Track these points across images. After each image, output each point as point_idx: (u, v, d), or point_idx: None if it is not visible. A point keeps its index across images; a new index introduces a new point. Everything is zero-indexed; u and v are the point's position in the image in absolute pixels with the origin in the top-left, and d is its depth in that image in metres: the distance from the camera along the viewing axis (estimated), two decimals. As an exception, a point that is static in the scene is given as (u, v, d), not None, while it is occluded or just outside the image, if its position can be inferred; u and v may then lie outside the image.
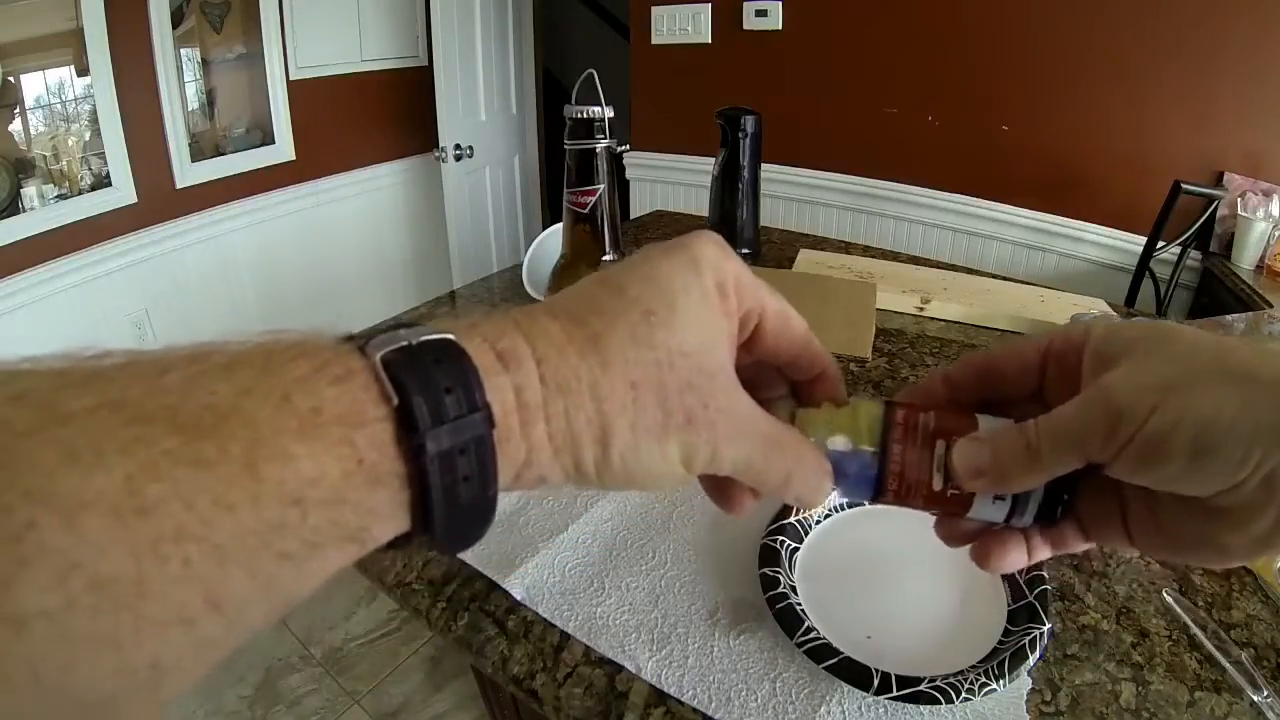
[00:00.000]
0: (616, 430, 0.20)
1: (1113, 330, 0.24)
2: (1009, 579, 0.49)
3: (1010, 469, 0.23)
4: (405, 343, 0.18)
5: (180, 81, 1.94)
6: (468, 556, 0.52)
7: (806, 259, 1.14)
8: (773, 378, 0.27)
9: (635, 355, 0.20)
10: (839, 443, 0.25)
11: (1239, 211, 1.61)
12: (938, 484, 0.25)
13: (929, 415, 0.25)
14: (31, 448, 0.13)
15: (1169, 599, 0.49)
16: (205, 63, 2.00)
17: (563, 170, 0.53)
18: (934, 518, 0.27)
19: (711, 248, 0.22)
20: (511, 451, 0.19)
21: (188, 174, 2.02)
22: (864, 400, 0.26)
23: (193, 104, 2.00)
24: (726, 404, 0.21)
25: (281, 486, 0.15)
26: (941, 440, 0.25)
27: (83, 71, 1.72)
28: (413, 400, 0.17)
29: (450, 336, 0.19)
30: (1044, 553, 0.26)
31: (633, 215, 2.07)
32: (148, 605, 0.13)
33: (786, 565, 0.49)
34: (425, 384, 0.17)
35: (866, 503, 0.26)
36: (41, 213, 1.71)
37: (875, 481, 0.25)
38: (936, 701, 0.40)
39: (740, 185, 1.13)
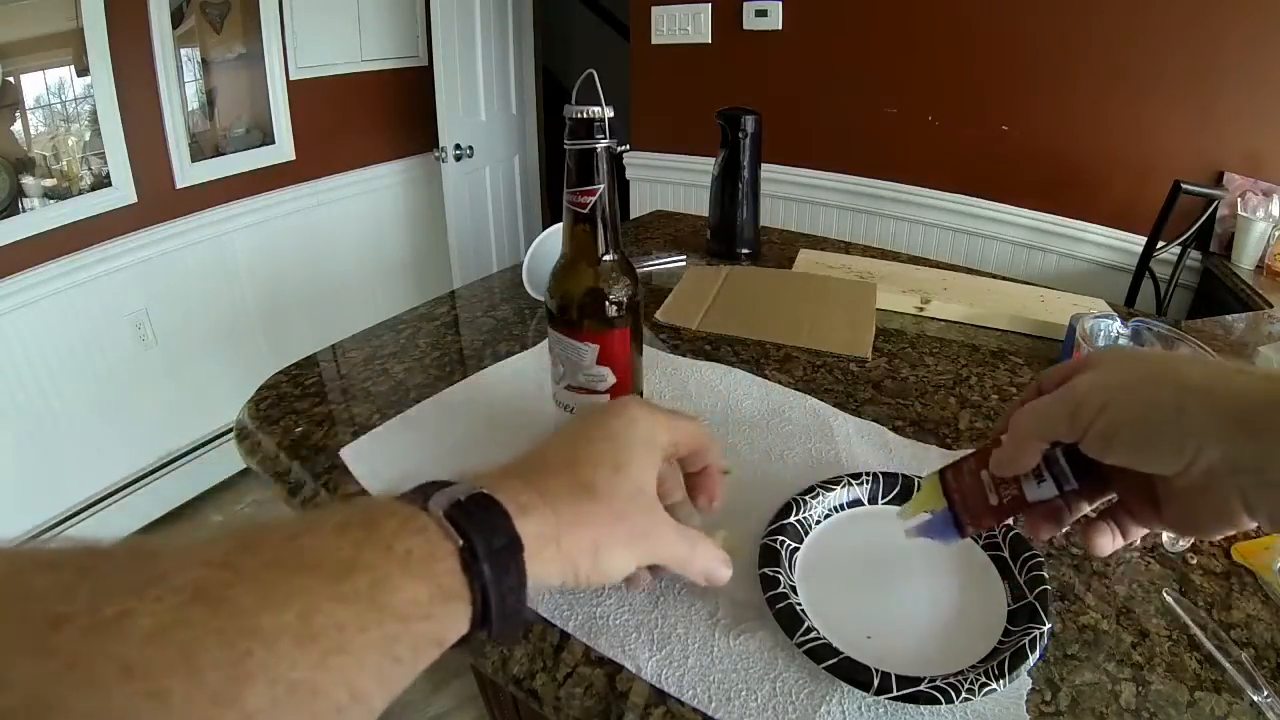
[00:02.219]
0: (604, 547, 0.30)
1: (1096, 351, 0.33)
2: (1009, 579, 0.49)
3: (1012, 449, 0.33)
4: (458, 499, 0.26)
5: (180, 81, 1.94)
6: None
7: (806, 259, 1.14)
8: (674, 479, 0.39)
9: (615, 495, 0.31)
10: (923, 515, 0.35)
11: (1239, 211, 1.61)
12: (994, 500, 0.33)
13: (969, 460, 0.34)
14: (236, 596, 0.19)
15: (1169, 599, 0.49)
16: (205, 63, 2.00)
17: (563, 170, 0.53)
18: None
19: (642, 409, 0.35)
20: (533, 568, 0.27)
21: (188, 174, 2.02)
22: (928, 478, 0.36)
23: (193, 104, 2.00)
24: (662, 522, 0.33)
25: (395, 610, 0.22)
26: (983, 470, 0.33)
27: (83, 71, 1.72)
28: (474, 540, 0.25)
29: (486, 491, 0.27)
30: (1135, 531, 0.34)
31: (633, 215, 2.07)
32: (318, 702, 0.20)
33: (786, 565, 0.49)
34: (479, 528, 0.25)
35: (958, 541, 0.36)
36: (41, 213, 1.71)
37: (955, 524, 0.34)
38: (936, 701, 0.40)
39: (740, 185, 1.13)
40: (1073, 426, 0.30)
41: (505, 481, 0.29)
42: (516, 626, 0.27)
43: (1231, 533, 0.29)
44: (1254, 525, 0.28)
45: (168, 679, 0.16)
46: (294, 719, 0.19)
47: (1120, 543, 0.33)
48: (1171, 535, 0.54)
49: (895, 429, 0.68)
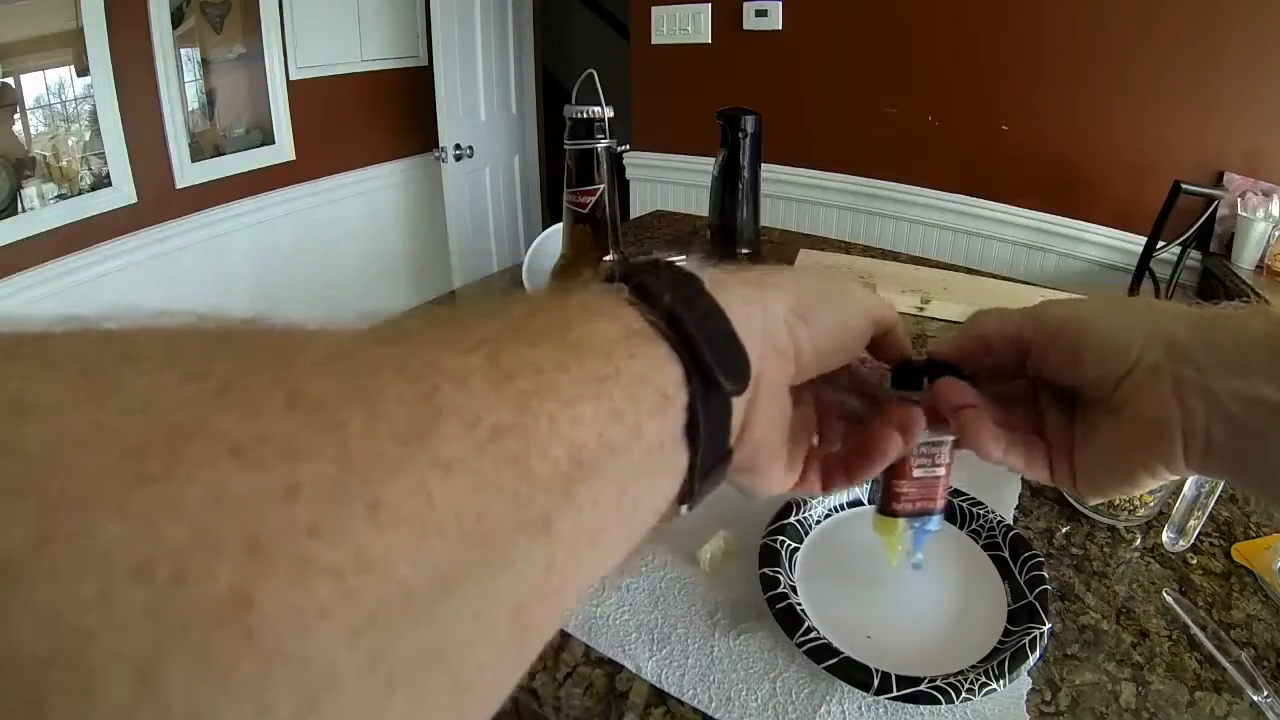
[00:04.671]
0: (808, 302, 0.26)
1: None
2: (1009, 579, 0.49)
3: (958, 336, 0.33)
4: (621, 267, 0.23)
5: (180, 81, 1.94)
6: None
7: (806, 259, 1.14)
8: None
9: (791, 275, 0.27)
10: (905, 547, 0.37)
11: (1239, 211, 1.61)
12: (918, 471, 0.34)
13: (903, 483, 0.34)
14: (411, 337, 0.16)
15: (1169, 599, 0.49)
16: (205, 63, 2.00)
17: (563, 170, 0.53)
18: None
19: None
20: (727, 299, 0.23)
21: (188, 174, 2.02)
22: (874, 524, 0.36)
23: (193, 104, 2.00)
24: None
25: (591, 346, 0.19)
26: (898, 472, 0.34)
27: (83, 71, 1.72)
28: (645, 281, 0.22)
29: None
30: (1035, 463, 0.30)
31: (633, 215, 2.07)
32: (531, 459, 0.16)
33: (786, 565, 0.49)
34: (648, 272, 0.22)
35: (939, 521, 0.36)
36: (41, 213, 1.71)
37: (908, 514, 0.35)
38: (936, 701, 0.40)
39: (740, 185, 1.13)
40: (1034, 323, 0.29)
41: None
42: (734, 359, 0.22)
43: (1149, 482, 0.27)
44: (1172, 477, 0.27)
45: (342, 409, 0.13)
46: (508, 480, 0.15)
47: (1015, 460, 0.30)
48: (1103, 510, 0.54)
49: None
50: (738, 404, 0.23)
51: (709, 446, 0.22)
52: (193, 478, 0.11)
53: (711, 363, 0.21)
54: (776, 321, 0.25)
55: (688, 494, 0.22)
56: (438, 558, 0.13)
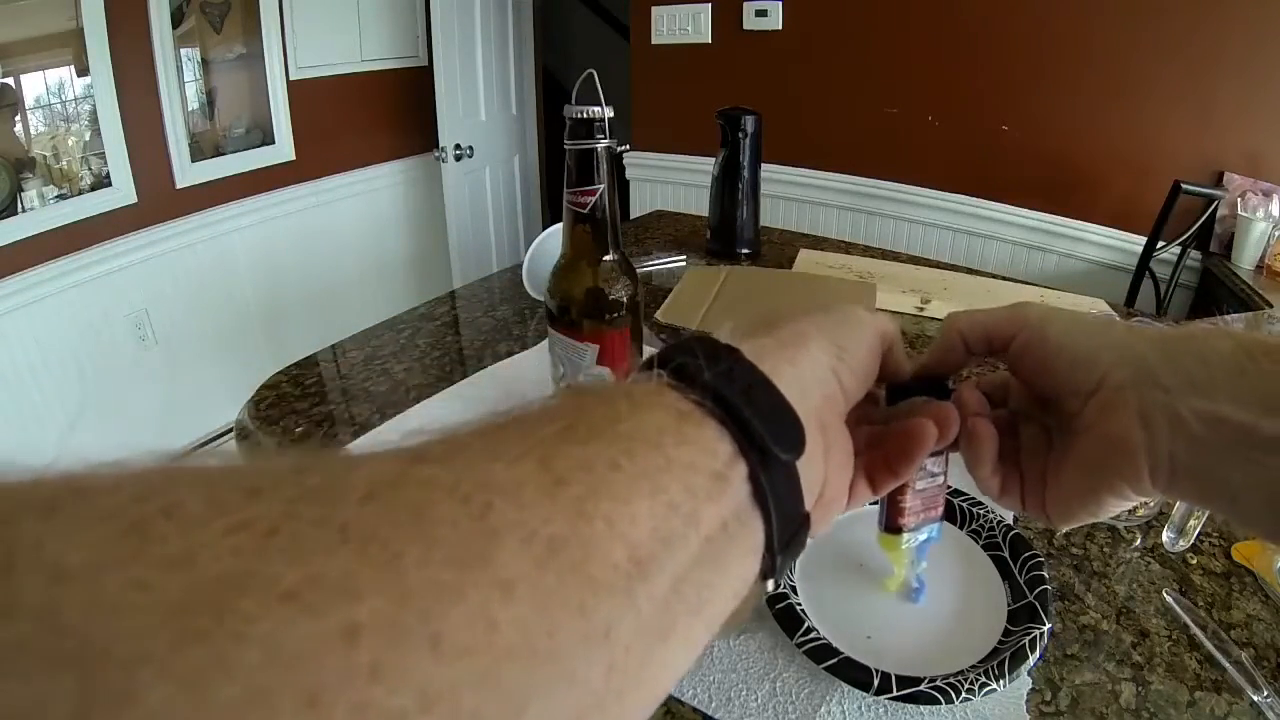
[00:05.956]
0: (841, 342, 0.27)
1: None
2: (1009, 579, 0.49)
3: (939, 341, 0.32)
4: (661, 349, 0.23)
5: (180, 81, 1.94)
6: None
7: (806, 259, 1.14)
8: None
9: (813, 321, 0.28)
10: (907, 569, 0.39)
11: (1239, 211, 1.61)
12: (919, 484, 0.34)
13: (907, 497, 0.34)
14: (459, 454, 0.16)
15: (1169, 599, 0.49)
16: (205, 63, 2.00)
17: (563, 170, 0.53)
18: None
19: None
20: (769, 367, 0.23)
21: (188, 174, 2.02)
22: (880, 541, 0.37)
23: (193, 104, 2.00)
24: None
25: (643, 439, 0.18)
26: (900, 488, 0.34)
27: (83, 71, 1.72)
28: (682, 360, 0.22)
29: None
30: (1009, 490, 0.31)
31: (633, 215, 2.07)
32: (591, 565, 0.15)
33: (786, 565, 0.49)
34: (684, 352, 0.22)
35: (940, 529, 0.36)
36: (41, 213, 1.71)
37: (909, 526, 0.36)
38: (936, 701, 0.40)
39: (740, 185, 1.13)
40: (1010, 322, 0.29)
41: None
42: (786, 423, 0.22)
43: (1116, 505, 0.27)
44: (1138, 500, 0.27)
45: (395, 540, 0.13)
46: (572, 594, 0.15)
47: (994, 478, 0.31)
48: (1129, 519, 0.54)
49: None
50: (812, 470, 0.23)
51: (782, 517, 0.21)
52: (242, 633, 0.11)
53: (763, 432, 0.20)
54: (825, 372, 0.25)
55: (770, 568, 0.22)
56: (507, 682, 0.13)
